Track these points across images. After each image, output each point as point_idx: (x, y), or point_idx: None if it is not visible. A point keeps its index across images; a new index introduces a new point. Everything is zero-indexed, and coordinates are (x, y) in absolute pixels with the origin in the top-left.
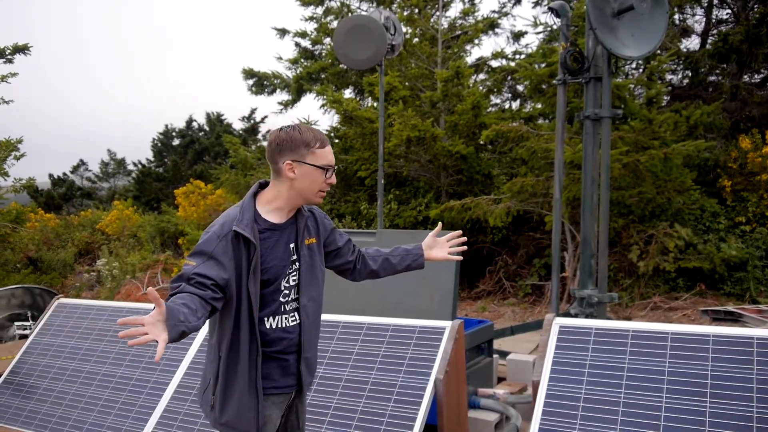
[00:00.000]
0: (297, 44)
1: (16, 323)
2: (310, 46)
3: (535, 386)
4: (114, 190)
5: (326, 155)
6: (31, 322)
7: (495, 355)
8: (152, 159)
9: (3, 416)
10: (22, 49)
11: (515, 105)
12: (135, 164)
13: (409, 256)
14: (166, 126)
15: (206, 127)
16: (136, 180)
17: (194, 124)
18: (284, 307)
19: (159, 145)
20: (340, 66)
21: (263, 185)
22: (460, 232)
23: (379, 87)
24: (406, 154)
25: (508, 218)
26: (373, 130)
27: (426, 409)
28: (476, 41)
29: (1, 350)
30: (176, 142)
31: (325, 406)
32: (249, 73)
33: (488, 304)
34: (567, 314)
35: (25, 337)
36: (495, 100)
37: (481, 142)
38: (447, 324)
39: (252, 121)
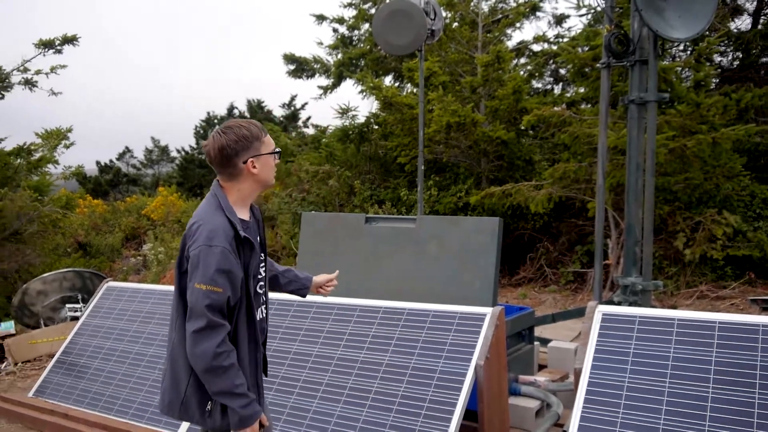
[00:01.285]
0: (335, 30)
1: (67, 305)
2: (347, 33)
3: (577, 374)
4: (158, 177)
5: (270, 140)
6: (81, 304)
7: (536, 342)
8: (195, 146)
9: (56, 394)
10: (70, 40)
11: (557, 89)
12: (178, 151)
13: (296, 283)
14: (208, 113)
15: (247, 114)
16: (179, 166)
17: (235, 111)
18: (262, 298)
19: (201, 132)
20: (380, 52)
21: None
22: (334, 276)
23: (418, 73)
24: (446, 139)
25: (549, 204)
26: (412, 116)
27: (466, 394)
28: (517, 25)
29: (54, 331)
30: None
31: (365, 390)
32: (290, 58)
33: (529, 291)
34: (610, 302)
35: (76, 318)
36: (536, 84)
37: (522, 128)
38: (488, 310)
39: (292, 108)
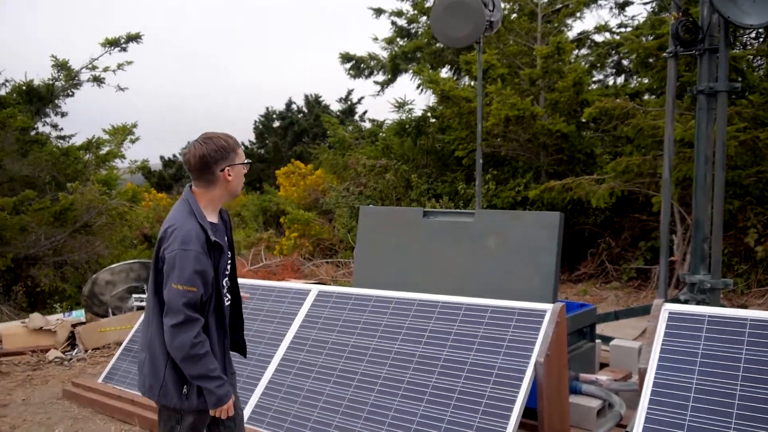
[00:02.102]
0: (393, 23)
1: (134, 295)
2: (405, 25)
3: (642, 374)
4: None
5: (242, 152)
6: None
7: (597, 340)
8: (254, 141)
9: (124, 380)
10: (134, 38)
11: (620, 80)
12: None
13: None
14: (267, 108)
15: (305, 109)
16: None
17: (293, 106)
18: (225, 291)
19: (260, 127)
20: (437, 45)
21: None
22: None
23: (476, 65)
24: (504, 133)
25: (611, 199)
26: (470, 110)
27: (526, 391)
28: (578, 14)
29: (122, 320)
30: (276, 124)
31: (423, 384)
32: (346, 57)
33: (590, 288)
34: (676, 300)
35: (142, 308)
36: (598, 76)
37: (583, 120)
38: (548, 307)
39: (349, 102)
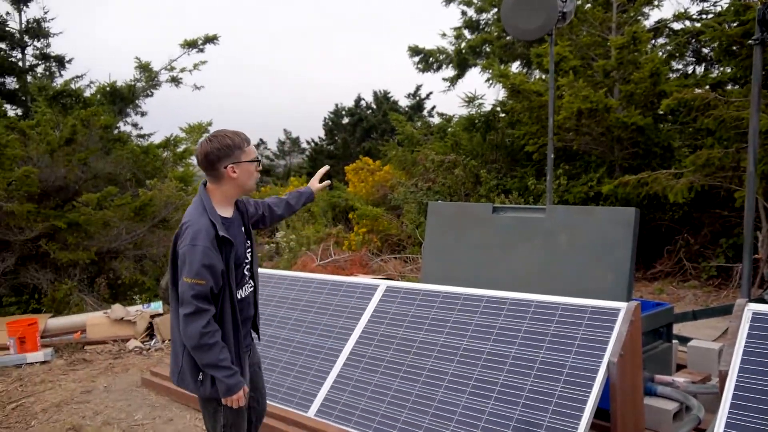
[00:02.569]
0: (463, 13)
1: None
2: (475, 15)
3: (723, 376)
4: (289, 168)
5: (252, 150)
6: None
7: (674, 341)
8: (324, 137)
9: None
10: (211, 39)
11: (700, 70)
12: (308, 142)
13: (303, 196)
14: (336, 105)
15: (374, 105)
16: (309, 157)
17: (362, 102)
18: (245, 279)
19: (330, 123)
20: (506, 38)
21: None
22: (327, 167)
23: (548, 58)
24: (576, 126)
25: (690, 194)
26: (541, 104)
27: (598, 392)
28: (655, 3)
29: None
30: (345, 120)
31: (491, 382)
32: (415, 50)
33: (666, 286)
34: (760, 300)
35: None
36: (676, 65)
37: (661, 112)
38: (622, 305)
39: (417, 98)
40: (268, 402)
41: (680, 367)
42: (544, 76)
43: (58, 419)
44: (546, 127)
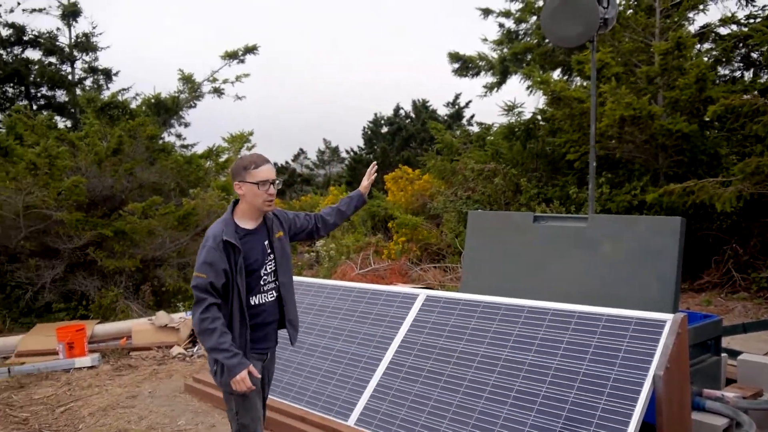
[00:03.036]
0: (501, 25)
1: None
2: (513, 26)
3: None
4: (329, 177)
5: (260, 173)
6: None
7: (723, 354)
8: (363, 146)
9: None
10: (251, 50)
11: (748, 75)
12: (347, 152)
13: (353, 200)
14: (375, 114)
15: (412, 114)
16: (348, 167)
17: (401, 111)
18: (264, 288)
19: (369, 133)
20: (547, 45)
21: (236, 203)
22: (375, 164)
23: (589, 65)
24: (619, 134)
25: (739, 203)
26: (582, 111)
27: (643, 405)
28: (701, 7)
29: None
30: (384, 129)
31: (533, 393)
32: (455, 57)
33: (714, 298)
34: None
35: None
36: (723, 71)
37: (707, 119)
38: (668, 317)
39: (456, 107)
40: (308, 410)
41: (730, 382)
42: (585, 83)
43: (104, 423)
44: (587, 135)
